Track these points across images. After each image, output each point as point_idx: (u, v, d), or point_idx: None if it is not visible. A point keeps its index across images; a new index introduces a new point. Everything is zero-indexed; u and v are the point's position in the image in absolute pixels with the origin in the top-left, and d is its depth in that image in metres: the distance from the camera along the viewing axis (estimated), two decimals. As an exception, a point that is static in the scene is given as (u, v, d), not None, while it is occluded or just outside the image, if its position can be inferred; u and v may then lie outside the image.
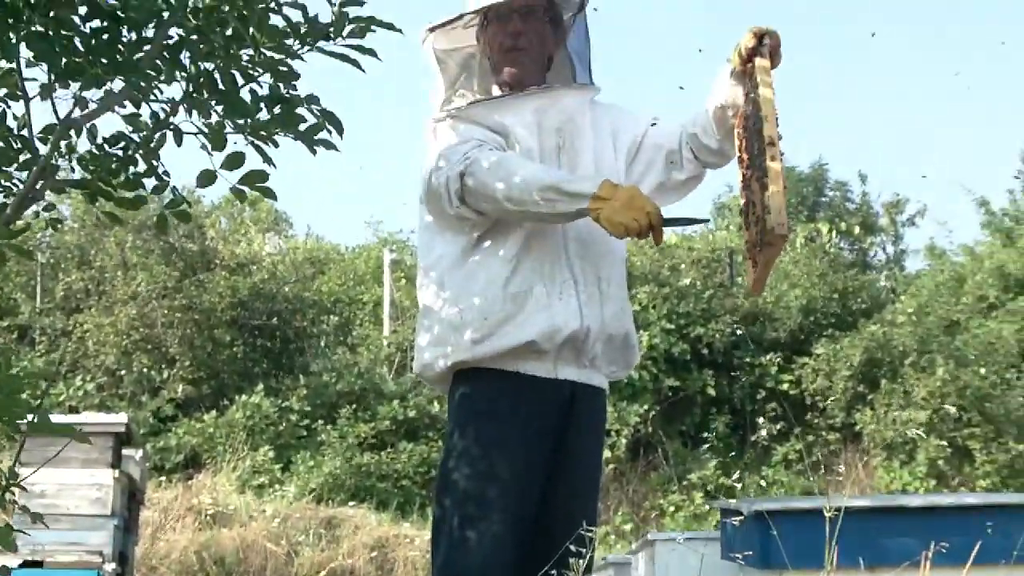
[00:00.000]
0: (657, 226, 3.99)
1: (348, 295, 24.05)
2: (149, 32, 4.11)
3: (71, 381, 19.05)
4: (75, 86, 4.03)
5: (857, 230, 33.03)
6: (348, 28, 4.01)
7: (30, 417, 3.60)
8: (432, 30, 4.57)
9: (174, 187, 4.41)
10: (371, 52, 4.08)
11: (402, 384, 19.55)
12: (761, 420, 20.02)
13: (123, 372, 19.26)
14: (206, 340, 19.59)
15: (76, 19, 4.04)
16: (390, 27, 4.13)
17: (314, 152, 4.22)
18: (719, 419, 19.91)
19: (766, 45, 4.22)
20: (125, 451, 11.41)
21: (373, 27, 4.08)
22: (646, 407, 19.02)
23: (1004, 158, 47.45)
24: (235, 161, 4.20)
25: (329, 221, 59.37)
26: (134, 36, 4.09)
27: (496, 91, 4.53)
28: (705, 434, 19.87)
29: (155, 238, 18.91)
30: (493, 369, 4.22)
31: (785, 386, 20.08)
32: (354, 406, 18.75)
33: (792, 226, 3.98)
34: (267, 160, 4.21)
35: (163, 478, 17.46)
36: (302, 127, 4.19)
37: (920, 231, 44.79)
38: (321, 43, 4.06)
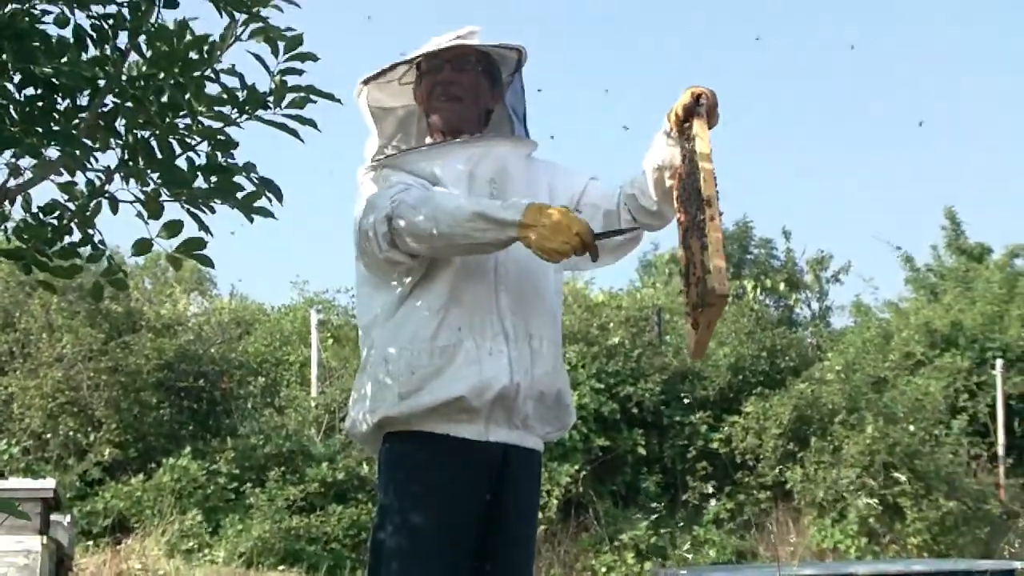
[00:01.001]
0: (590, 244, 3.96)
1: (274, 356, 23.89)
2: (84, 100, 4.08)
3: (-5, 445, 18.83)
4: (8, 154, 3.99)
5: (782, 287, 33.24)
6: (288, 98, 4.00)
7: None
8: (366, 82, 4.53)
9: (110, 256, 4.37)
10: (311, 122, 4.07)
11: (331, 446, 19.40)
12: (692, 479, 19.99)
13: (49, 435, 19.01)
14: (133, 403, 19.36)
15: (10, 87, 4.00)
16: (329, 97, 4.12)
17: (251, 220, 4.19)
18: (650, 478, 19.87)
19: (703, 105, 4.23)
20: (53, 516, 11.29)
21: (313, 97, 4.07)
22: (577, 467, 18.96)
23: (928, 213, 47.98)
24: (172, 229, 4.17)
25: (253, 280, 59.17)
26: (69, 103, 4.05)
27: (428, 140, 4.50)
28: (636, 494, 19.82)
29: (81, 300, 18.70)
30: (422, 432, 4.18)
31: (715, 444, 20.09)
32: (283, 468, 18.56)
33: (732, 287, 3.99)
34: (204, 228, 4.18)
35: (91, 543, 17.22)
36: (240, 195, 4.16)
37: (845, 288, 45.15)
38: (260, 112, 4.04)
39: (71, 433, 19.07)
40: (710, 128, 4.23)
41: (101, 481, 18.72)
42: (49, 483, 11.45)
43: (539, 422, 4.32)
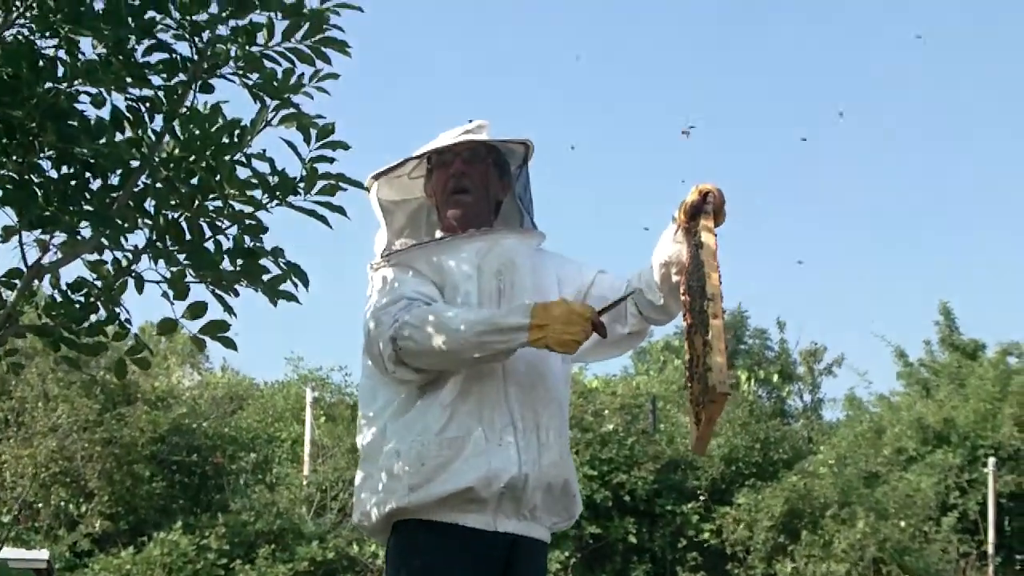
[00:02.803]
0: (598, 323, 4.00)
1: (267, 432, 23.87)
2: (115, 179, 4.13)
3: (-14, 513, 18.80)
4: (39, 230, 4.05)
5: (776, 378, 33.29)
6: (318, 185, 4.06)
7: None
8: (376, 178, 4.54)
9: (136, 334, 4.41)
10: (340, 210, 4.12)
11: (321, 525, 19.37)
12: (681, 570, 19.95)
13: (40, 505, 18.98)
14: (125, 475, 19.35)
15: (46, 165, 4.06)
16: (358, 185, 4.18)
17: (275, 304, 4.24)
18: (640, 567, 19.84)
19: (710, 203, 4.26)
20: (44, 587, 11.29)
21: (342, 185, 4.13)
22: (567, 554, 18.95)
23: (922, 308, 48.06)
24: (197, 311, 4.22)
25: (246, 353, 59.05)
26: (102, 183, 4.11)
27: (439, 235, 4.52)
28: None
29: (85, 365, 18.71)
30: (431, 521, 4.18)
31: (706, 535, 20.07)
32: (272, 546, 18.53)
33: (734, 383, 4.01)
34: (228, 310, 4.22)
35: (78, 614, 17.20)
36: (265, 278, 4.20)
37: (838, 380, 45.13)
38: (290, 198, 4.10)
39: (63, 503, 19.04)
40: (717, 226, 4.28)
41: (91, 553, 18.67)
42: (43, 554, 11.49)
43: (546, 513, 4.31)
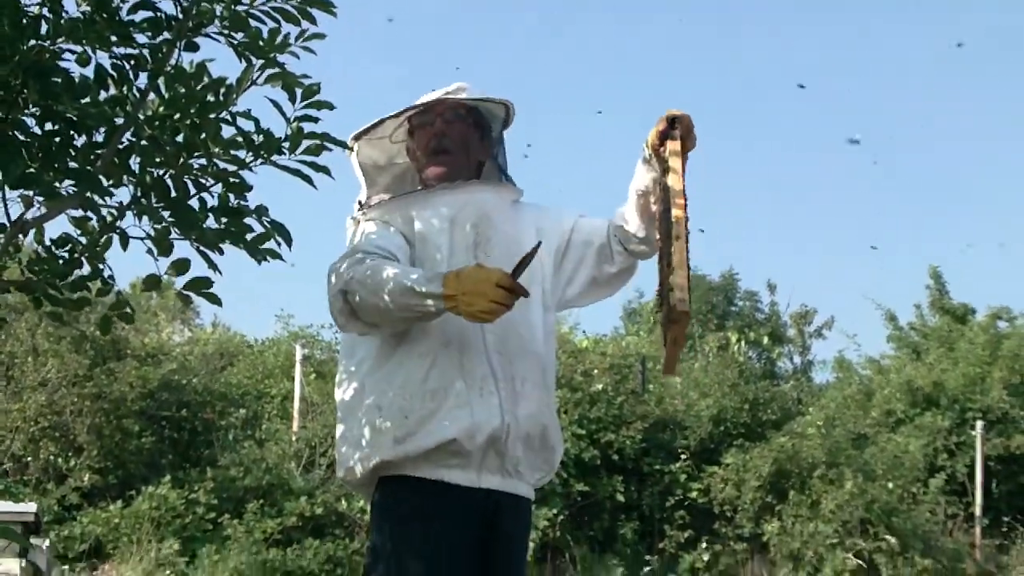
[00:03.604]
0: (516, 287, 3.98)
1: (257, 388, 23.87)
2: (100, 137, 4.14)
3: (-25, 466, 18.84)
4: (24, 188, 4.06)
5: (766, 340, 33.36)
6: (303, 145, 4.07)
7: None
8: (356, 138, 4.56)
9: (119, 290, 4.43)
10: (324, 169, 4.14)
11: (310, 480, 19.41)
12: (669, 528, 20.03)
13: (29, 459, 19.02)
14: (115, 429, 19.38)
15: (30, 122, 4.07)
16: (343, 145, 4.19)
17: (259, 262, 4.25)
18: (628, 525, 19.91)
19: (677, 128, 4.27)
20: (32, 540, 11.31)
21: (327, 145, 4.14)
22: (555, 511, 19.01)
23: (913, 271, 48.12)
24: (181, 267, 4.24)
25: (237, 310, 59.02)
26: (86, 140, 4.12)
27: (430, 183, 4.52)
28: (613, 541, 19.85)
29: (72, 322, 18.70)
30: (416, 477, 4.21)
31: (694, 494, 20.15)
32: (261, 501, 18.57)
33: (694, 310, 4.05)
34: (213, 267, 4.24)
35: (66, 567, 17.21)
36: (249, 237, 4.22)
37: (827, 343, 45.21)
38: (275, 157, 4.11)
39: (52, 457, 19.08)
40: (687, 151, 4.30)
41: (79, 506, 18.72)
42: (30, 507, 11.51)
43: (529, 468, 4.34)
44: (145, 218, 4.16)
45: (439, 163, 4.49)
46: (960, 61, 52.59)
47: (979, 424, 22.63)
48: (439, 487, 4.19)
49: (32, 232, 4.26)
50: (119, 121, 4.10)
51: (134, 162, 4.19)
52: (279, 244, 4.23)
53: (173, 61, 4.18)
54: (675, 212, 4.11)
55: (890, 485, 19.83)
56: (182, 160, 4.13)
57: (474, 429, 4.15)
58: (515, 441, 4.26)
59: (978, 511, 22.16)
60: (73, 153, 4.09)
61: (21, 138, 4.02)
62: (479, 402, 4.17)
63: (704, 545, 19.89)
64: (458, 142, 4.53)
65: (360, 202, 4.60)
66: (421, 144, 4.53)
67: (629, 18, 54.23)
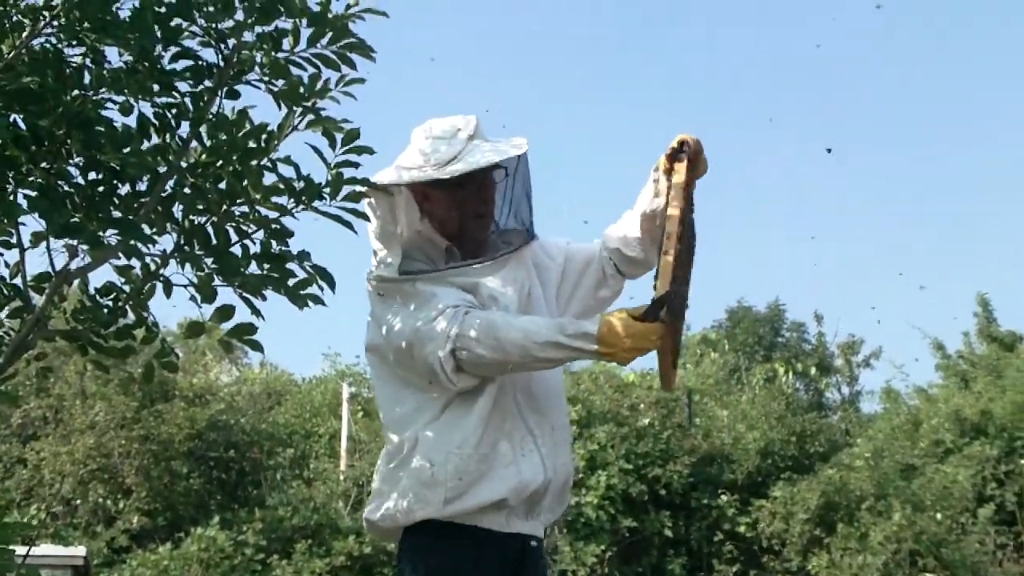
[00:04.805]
0: (665, 338, 4.04)
1: (304, 427, 23.94)
2: (143, 186, 4.17)
3: (25, 510, 18.89)
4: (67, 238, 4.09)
5: (813, 371, 33.24)
6: (344, 191, 4.08)
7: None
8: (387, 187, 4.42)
9: (163, 338, 4.45)
10: (364, 216, 4.15)
11: (358, 520, 19.40)
12: (718, 562, 19.96)
13: (78, 501, 19.11)
14: (163, 471, 19.47)
15: (74, 171, 4.10)
16: (384, 190, 4.20)
17: (301, 308, 4.27)
18: (676, 561, 19.85)
19: (686, 152, 4.28)
20: (82, 584, 11.37)
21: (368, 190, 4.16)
22: (603, 548, 18.97)
23: (961, 300, 47.84)
24: (225, 314, 4.26)
25: (284, 350, 59.23)
26: (129, 190, 4.15)
27: (452, 250, 4.44)
28: (662, 576, 19.81)
29: (116, 367, 18.79)
30: (449, 522, 4.24)
31: (742, 528, 20.07)
32: (309, 541, 18.60)
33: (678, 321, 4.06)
34: (256, 313, 4.26)
35: (116, 611, 17.30)
36: (291, 282, 4.24)
37: (875, 373, 45.05)
38: (315, 203, 4.12)
39: (101, 500, 19.17)
40: (698, 176, 4.31)
41: (128, 549, 18.79)
42: (80, 551, 11.57)
43: (550, 511, 4.41)
44: (188, 265, 4.18)
45: (482, 228, 4.47)
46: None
47: (1028, 453, 22.49)
48: (472, 531, 4.22)
49: (77, 281, 4.29)
50: (162, 170, 4.12)
51: (177, 210, 4.21)
52: (321, 289, 4.24)
53: (215, 109, 4.20)
54: (669, 228, 4.12)
55: (939, 516, 19.73)
56: (225, 207, 4.15)
57: (521, 487, 4.20)
58: (550, 493, 4.32)
59: (1028, 540, 22.00)
60: (116, 202, 4.12)
61: (65, 188, 4.05)
62: (523, 461, 4.22)
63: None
64: (493, 200, 4.52)
65: (394, 264, 4.44)
66: (451, 203, 4.43)
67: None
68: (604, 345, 3.98)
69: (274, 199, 4.14)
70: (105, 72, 4.05)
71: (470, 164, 4.25)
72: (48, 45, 4.09)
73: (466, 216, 4.40)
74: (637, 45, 56.00)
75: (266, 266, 4.21)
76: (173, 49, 4.16)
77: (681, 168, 4.26)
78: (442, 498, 4.19)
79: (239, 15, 4.15)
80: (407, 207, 4.42)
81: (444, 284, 4.28)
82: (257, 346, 4.30)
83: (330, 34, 4.23)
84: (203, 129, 4.20)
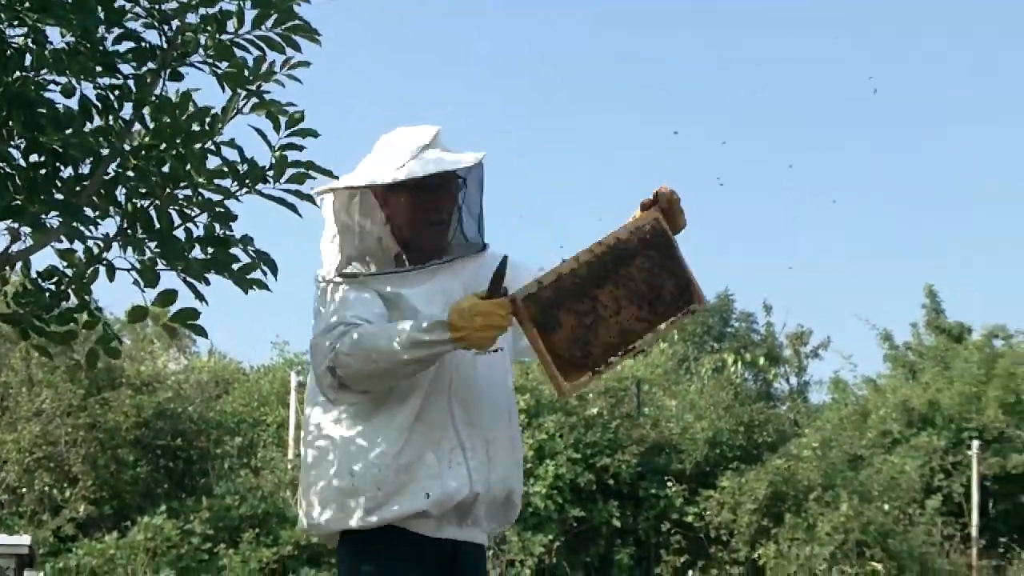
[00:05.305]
0: (516, 310, 4.01)
1: (252, 416, 23.82)
2: (86, 168, 4.14)
3: (-31, 498, 18.81)
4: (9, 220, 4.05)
5: (762, 361, 33.35)
6: (288, 173, 4.06)
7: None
8: (333, 190, 4.42)
9: (106, 323, 4.42)
10: (309, 198, 4.13)
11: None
12: (665, 553, 19.99)
13: (24, 490, 18.97)
14: (109, 459, 19.33)
15: (15, 154, 4.07)
16: (328, 173, 4.18)
17: (246, 292, 4.24)
18: (624, 551, 19.85)
19: (658, 202, 4.30)
20: (27, 572, 11.29)
21: (312, 173, 4.13)
22: (551, 537, 18.95)
23: (909, 290, 48.08)
24: (168, 299, 4.24)
25: (232, 337, 59.01)
26: (72, 172, 4.11)
27: (402, 257, 4.44)
28: (609, 566, 19.80)
29: (61, 355, 18.68)
30: (388, 525, 4.26)
31: (690, 518, 20.09)
32: (257, 530, 18.50)
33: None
34: (200, 297, 4.24)
35: (62, 600, 17.18)
36: (235, 266, 4.21)
37: (824, 363, 45.24)
38: (259, 186, 4.10)
39: (47, 488, 19.03)
40: (674, 230, 4.33)
41: (74, 538, 18.65)
42: (24, 539, 11.48)
43: (487, 520, 4.42)
44: (131, 249, 4.16)
45: (433, 236, 4.44)
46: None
47: (975, 444, 22.60)
48: (404, 535, 4.25)
49: (18, 264, 4.26)
50: (104, 152, 4.09)
51: (120, 193, 4.19)
52: (265, 273, 4.22)
53: (158, 91, 4.18)
54: (598, 244, 4.15)
55: (886, 507, 19.81)
56: (168, 190, 4.13)
57: (444, 499, 4.22)
58: (480, 505, 4.32)
59: (975, 532, 22.10)
60: (59, 184, 4.09)
61: (6, 170, 4.02)
62: (448, 473, 4.23)
63: (700, 570, 19.81)
64: (451, 209, 4.49)
65: (338, 264, 4.47)
66: (413, 211, 4.43)
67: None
68: (456, 330, 3.98)
69: (218, 182, 4.12)
70: (47, 53, 4.02)
71: (409, 172, 4.26)
72: (-12, 25, 4.05)
73: (418, 223, 4.40)
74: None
75: (210, 250, 4.19)
76: (116, 30, 4.14)
77: (637, 215, 4.28)
78: (362, 509, 4.22)
79: (183, -4, 4.12)
80: (370, 211, 4.42)
81: (366, 290, 4.29)
82: (200, 331, 4.29)
83: (275, 16, 4.21)
84: (146, 111, 4.18)
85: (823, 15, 51.18)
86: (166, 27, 4.18)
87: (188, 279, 4.17)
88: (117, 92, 4.16)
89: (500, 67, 55.18)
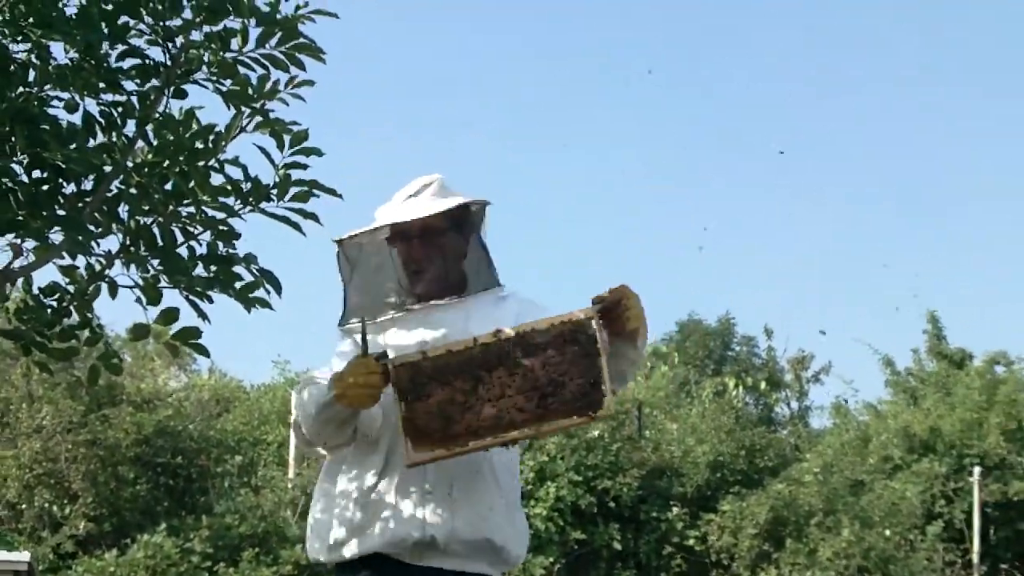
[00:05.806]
0: (387, 373, 4.00)
1: (252, 435, 23.81)
2: (89, 184, 4.12)
3: (-32, 514, 18.79)
4: (11, 234, 4.04)
5: (763, 385, 33.32)
6: (292, 192, 4.05)
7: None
8: (339, 242, 4.42)
9: (107, 340, 4.40)
10: (313, 216, 4.11)
11: (306, 528, 19.32)
12: (666, 576, 19.97)
13: (24, 506, 18.95)
14: (109, 476, 19.32)
15: (18, 169, 4.05)
16: (332, 192, 4.17)
17: (249, 311, 4.23)
18: (624, 574, 19.82)
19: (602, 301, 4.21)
20: (26, 589, 11.28)
21: (316, 192, 4.12)
22: (551, 560, 18.92)
23: (910, 316, 48.07)
24: (170, 317, 4.21)
25: (233, 357, 58.93)
26: (74, 188, 4.10)
27: (410, 303, 4.44)
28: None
29: (62, 371, 18.66)
30: (376, 553, 4.28)
31: (691, 542, 20.05)
32: (256, 549, 18.48)
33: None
34: (202, 316, 4.22)
35: (60, 617, 17.16)
36: (238, 285, 4.20)
37: (825, 388, 45.22)
38: (263, 204, 4.09)
39: (46, 505, 19.00)
40: (618, 333, 4.23)
41: (74, 555, 18.62)
42: (24, 556, 11.46)
43: (474, 560, 4.37)
44: (134, 266, 4.14)
45: (417, 284, 4.43)
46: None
47: (976, 470, 22.56)
48: (391, 563, 4.25)
49: (20, 280, 4.24)
50: (107, 168, 4.08)
51: (123, 210, 4.17)
52: (268, 292, 4.20)
53: (161, 108, 4.16)
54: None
55: (887, 532, 19.77)
56: (171, 208, 4.11)
57: (398, 541, 4.22)
58: (449, 545, 4.28)
59: (976, 558, 22.06)
60: (61, 200, 4.08)
61: (9, 185, 4.00)
62: (402, 517, 4.22)
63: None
64: (432, 259, 4.44)
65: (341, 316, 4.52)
66: (401, 258, 4.44)
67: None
68: (335, 389, 4.00)
69: (221, 200, 4.10)
70: (50, 69, 4.01)
71: (373, 223, 4.26)
72: (-8, 40, 4.04)
73: (405, 272, 4.40)
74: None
75: (213, 268, 4.18)
76: (120, 47, 4.12)
77: (585, 309, 4.20)
78: (327, 544, 4.29)
79: (187, 14, 4.11)
80: (391, 257, 4.45)
81: (351, 343, 4.31)
82: (202, 350, 4.27)
83: (279, 35, 4.20)
84: (150, 128, 4.16)
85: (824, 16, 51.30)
86: (170, 44, 4.17)
87: (191, 297, 4.14)
88: (120, 109, 4.15)
89: (492, 61, 55.33)
